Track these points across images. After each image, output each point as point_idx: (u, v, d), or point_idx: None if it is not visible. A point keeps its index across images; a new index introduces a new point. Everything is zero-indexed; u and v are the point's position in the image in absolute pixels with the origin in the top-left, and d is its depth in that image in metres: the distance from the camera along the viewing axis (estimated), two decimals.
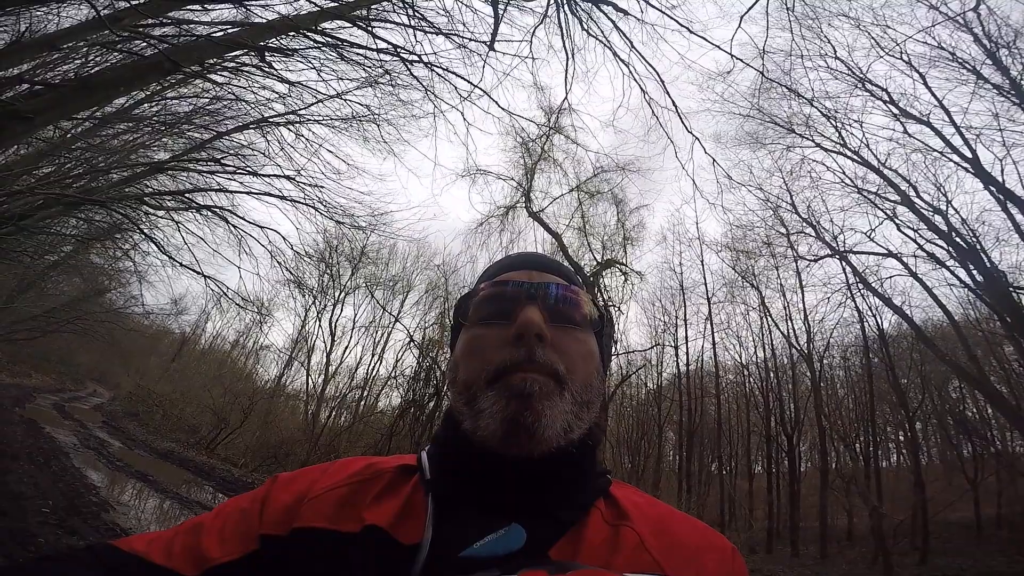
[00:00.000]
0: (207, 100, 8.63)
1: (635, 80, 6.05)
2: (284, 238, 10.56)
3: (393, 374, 19.84)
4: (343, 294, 21.98)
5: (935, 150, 10.81)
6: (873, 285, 12.35)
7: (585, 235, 15.18)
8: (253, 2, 4.02)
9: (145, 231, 10.68)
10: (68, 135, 8.35)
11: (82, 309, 21.04)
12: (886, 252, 12.04)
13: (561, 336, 0.59)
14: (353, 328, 23.02)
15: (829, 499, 12.67)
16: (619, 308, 15.57)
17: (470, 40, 5.36)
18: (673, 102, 6.36)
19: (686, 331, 17.73)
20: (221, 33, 3.98)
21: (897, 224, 11.70)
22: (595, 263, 14.91)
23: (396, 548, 0.52)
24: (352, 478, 0.61)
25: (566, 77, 5.82)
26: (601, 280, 14.85)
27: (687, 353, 17.62)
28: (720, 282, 17.46)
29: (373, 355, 22.35)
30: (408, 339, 18.79)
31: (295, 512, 0.58)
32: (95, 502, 6.66)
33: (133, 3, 3.06)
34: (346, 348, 22.71)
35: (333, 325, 22.20)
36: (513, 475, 0.55)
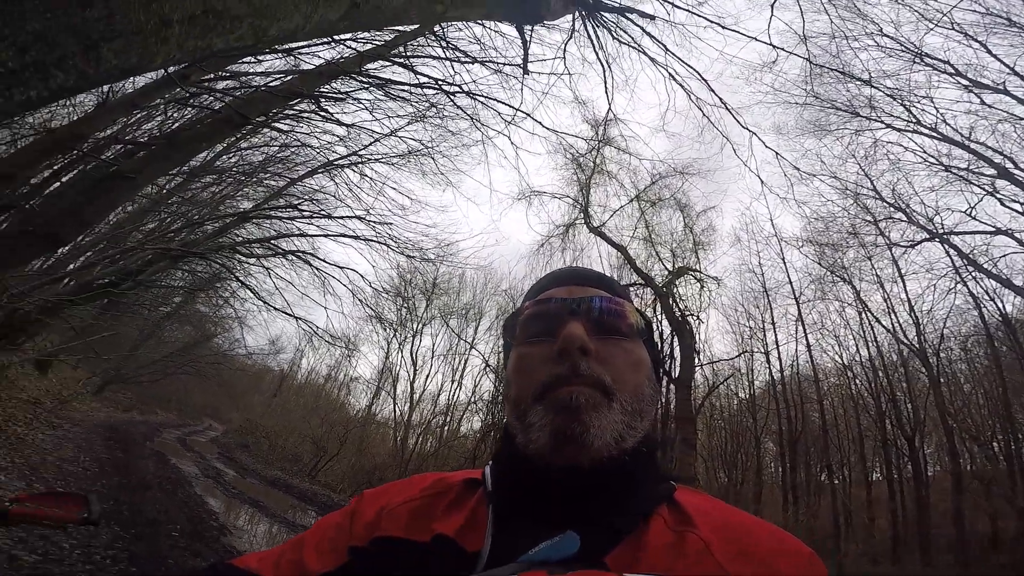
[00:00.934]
0: (276, 148, 9.37)
1: (676, 82, 5.81)
2: (362, 276, 11.17)
3: (472, 399, 20.28)
4: (420, 325, 22.77)
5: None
6: (985, 266, 11.02)
7: (652, 244, 14.60)
8: (301, 51, 4.31)
9: (240, 279, 11.70)
10: (164, 191, 9.34)
11: (194, 353, 23.41)
12: (994, 229, 10.82)
13: (606, 348, 0.60)
14: (432, 357, 23.74)
15: (964, 503, 11.10)
16: (698, 317, 14.71)
17: (504, 65, 5.44)
18: (720, 99, 6.02)
19: (775, 335, 16.36)
20: (278, 83, 4.29)
21: (999, 199, 10.53)
22: (666, 272, 14.28)
23: (461, 555, 0.55)
24: (424, 492, 0.65)
25: (606, 88, 5.69)
26: (675, 289, 14.18)
27: (779, 358, 16.24)
28: (806, 280, 15.98)
29: (452, 382, 22.88)
30: (484, 364, 19.05)
31: (376, 524, 0.62)
32: (215, 526, 7.23)
33: (195, 60, 3.36)
34: (427, 376, 23.39)
35: (414, 355, 22.98)
36: (562, 486, 0.56)
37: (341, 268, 10.89)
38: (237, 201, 11.34)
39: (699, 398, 15.20)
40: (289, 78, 4.43)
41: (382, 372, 24.48)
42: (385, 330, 19.75)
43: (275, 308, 11.22)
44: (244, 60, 4.28)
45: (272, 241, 11.38)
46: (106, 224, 9.59)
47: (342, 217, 10.70)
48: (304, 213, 10.85)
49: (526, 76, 5.03)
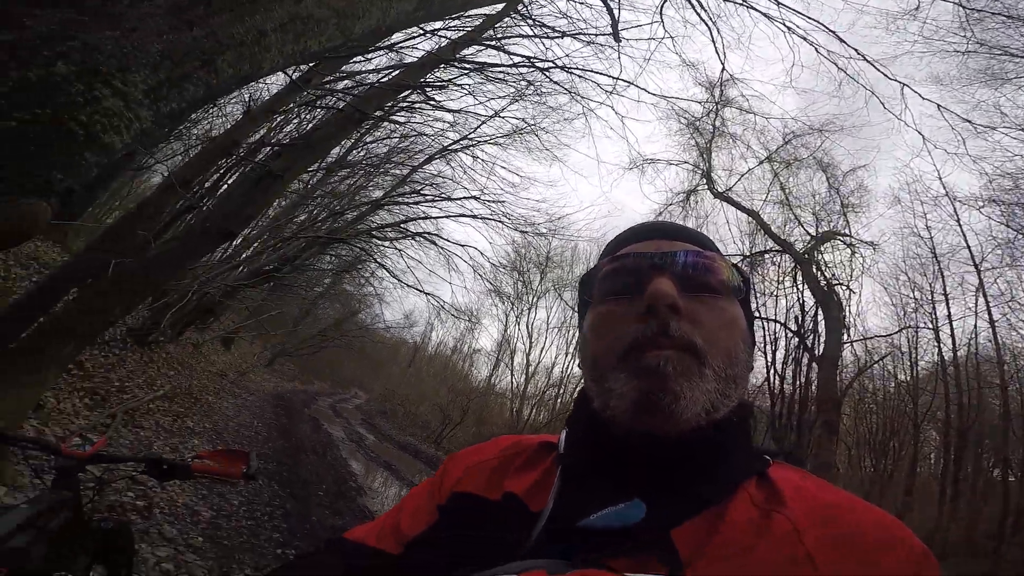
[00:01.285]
0: (397, 139, 10.19)
1: (798, 36, 5.03)
2: (481, 253, 11.92)
3: None
4: (536, 298, 23.33)
5: None
6: None
7: (789, 208, 13.10)
8: (402, 46, 4.55)
9: (378, 260, 13.10)
10: (308, 186, 10.64)
11: (343, 328, 26.39)
12: None
13: (697, 306, 0.55)
14: (547, 329, 24.23)
15: None
16: (847, 287, 12.97)
17: (596, 35, 5.18)
18: (856, 50, 5.05)
19: (947, 308, 13.77)
20: (387, 78, 4.62)
21: None
22: (808, 238, 12.76)
23: (526, 514, 0.54)
24: (502, 452, 0.66)
25: (715, 48, 5.12)
26: (819, 256, 12.63)
27: (952, 335, 13.68)
28: (990, 244, 13.15)
29: (566, 354, 23.14)
30: None
31: (459, 481, 0.64)
32: (354, 488, 8.13)
33: (312, 64, 3.74)
34: (542, 349, 23.93)
35: (530, 328, 23.64)
36: (641, 453, 0.52)
37: (462, 246, 11.67)
38: (369, 191, 12.55)
39: (847, 378, 13.51)
40: (396, 72, 4.74)
41: (501, 344, 25.63)
42: (503, 303, 20.58)
43: (408, 285, 12.39)
44: (355, 60, 4.64)
45: (401, 225, 12.44)
46: (265, 218, 11.16)
47: (460, 198, 11.41)
48: (427, 197, 11.72)
49: (619, 44, 4.75)
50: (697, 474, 0.51)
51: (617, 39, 4.32)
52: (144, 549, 3.26)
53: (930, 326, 14.10)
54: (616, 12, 4.21)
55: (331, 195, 11.37)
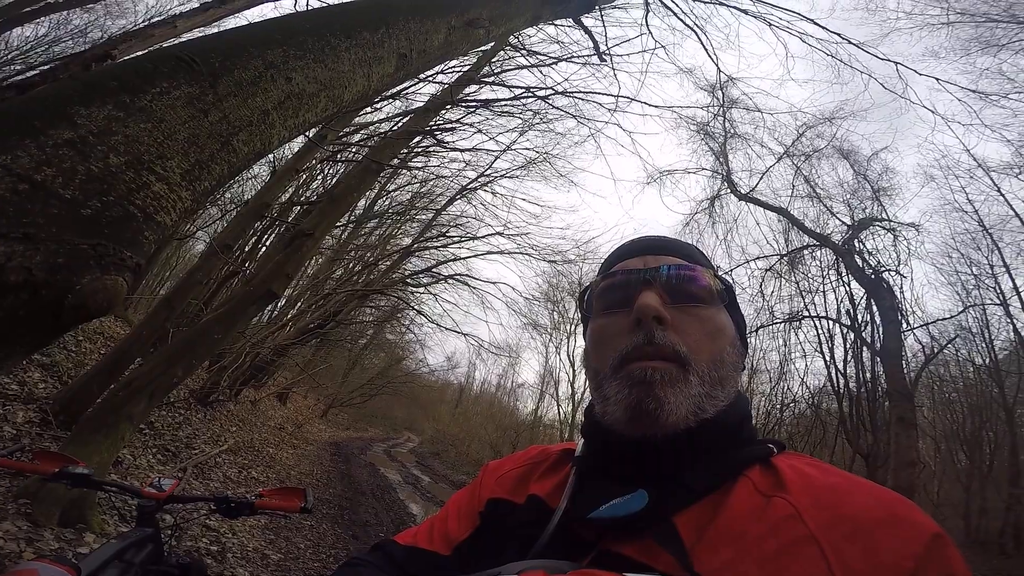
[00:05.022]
0: (418, 184, 10.63)
1: (779, 28, 5.09)
2: (513, 288, 12.11)
3: None
4: (573, 327, 23.13)
5: None
6: None
7: (819, 200, 12.74)
8: (407, 91, 4.86)
9: (415, 307, 13.45)
10: (341, 241, 11.16)
11: (389, 375, 26.87)
12: None
13: (682, 316, 0.60)
14: None
15: None
16: (897, 272, 12.33)
17: (590, 56, 5.33)
18: (838, 34, 5.05)
19: (1011, 279, 12.83)
20: (397, 127, 4.92)
21: None
22: (845, 228, 12.31)
23: (544, 511, 0.60)
24: (528, 460, 0.73)
25: (707, 52, 5.21)
26: (860, 245, 12.14)
27: None
28: None
29: None
30: None
31: (492, 488, 0.72)
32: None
33: (325, 122, 4.05)
34: None
35: (571, 356, 23.39)
36: (637, 453, 0.57)
37: (493, 283, 11.91)
38: (398, 239, 13.04)
39: (916, 369, 12.66)
40: (405, 119, 5.05)
41: (543, 376, 25.43)
42: (541, 335, 20.52)
43: (445, 328, 12.63)
44: (364, 112, 5.01)
45: (433, 269, 12.81)
46: (305, 277, 11.74)
47: (484, 236, 11.68)
48: (453, 238, 12.07)
49: (610, 61, 4.91)
50: (691, 465, 0.55)
51: (601, 59, 4.49)
52: None
53: (997, 301, 13.14)
54: (603, 30, 4.40)
55: (363, 247, 11.87)
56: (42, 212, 0.77)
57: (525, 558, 0.55)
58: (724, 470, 0.53)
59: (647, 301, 0.58)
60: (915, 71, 5.45)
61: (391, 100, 4.94)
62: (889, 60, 5.33)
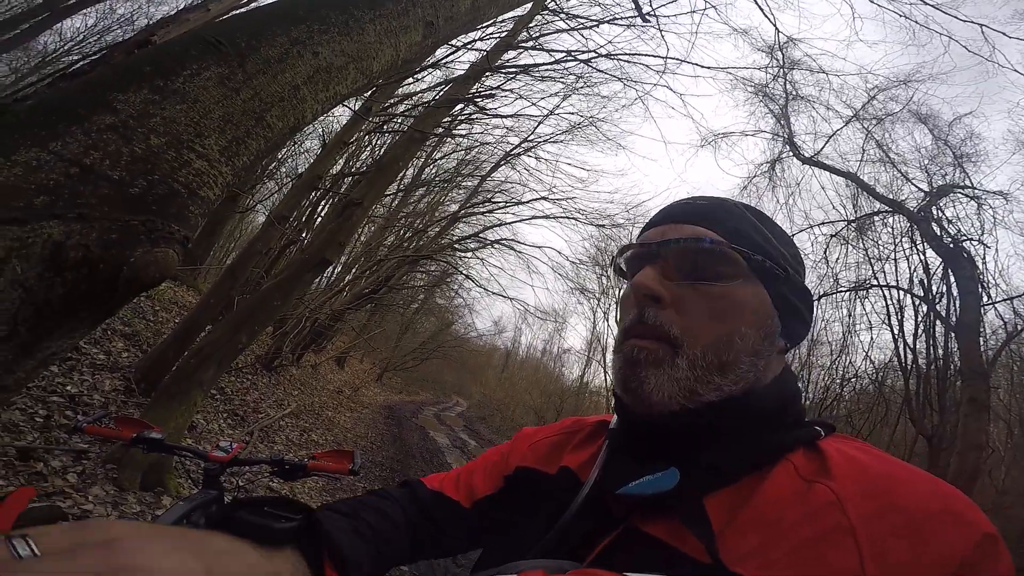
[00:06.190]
0: (463, 152, 10.62)
1: None
2: (559, 252, 12.10)
3: None
4: (622, 291, 22.77)
5: None
6: None
7: (892, 166, 11.76)
8: (447, 60, 4.79)
9: (463, 271, 13.73)
10: (391, 208, 11.42)
11: (440, 339, 27.70)
12: None
13: (687, 293, 0.56)
14: None
15: None
16: (980, 242, 11.34)
17: (635, 17, 5.01)
18: None
19: None
20: (439, 95, 4.86)
21: None
22: (922, 195, 11.36)
23: (575, 483, 0.60)
24: (563, 430, 0.73)
25: (762, 11, 4.75)
26: (938, 213, 11.19)
27: None
28: None
29: None
30: None
31: (523, 456, 0.72)
32: None
33: (368, 93, 4.06)
34: None
35: (619, 322, 23.15)
36: (647, 430, 0.57)
37: (540, 247, 11.97)
38: (446, 205, 13.18)
39: (995, 347, 11.70)
40: (447, 87, 5.00)
41: (591, 342, 25.39)
42: (589, 300, 20.40)
43: (492, 292, 12.85)
44: (406, 82, 4.98)
45: (480, 235, 12.93)
46: (359, 244, 12.13)
47: (529, 200, 11.64)
48: (499, 204, 12.11)
49: (656, 21, 4.59)
50: (726, 446, 0.52)
51: (644, 19, 4.22)
52: None
53: None
54: None
55: (413, 214, 12.09)
56: (94, 193, 0.81)
57: (553, 527, 0.56)
58: (761, 452, 0.50)
59: (640, 279, 0.57)
60: (1003, 33, 4.85)
61: (432, 70, 4.92)
62: (972, 22, 4.76)
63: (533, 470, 0.68)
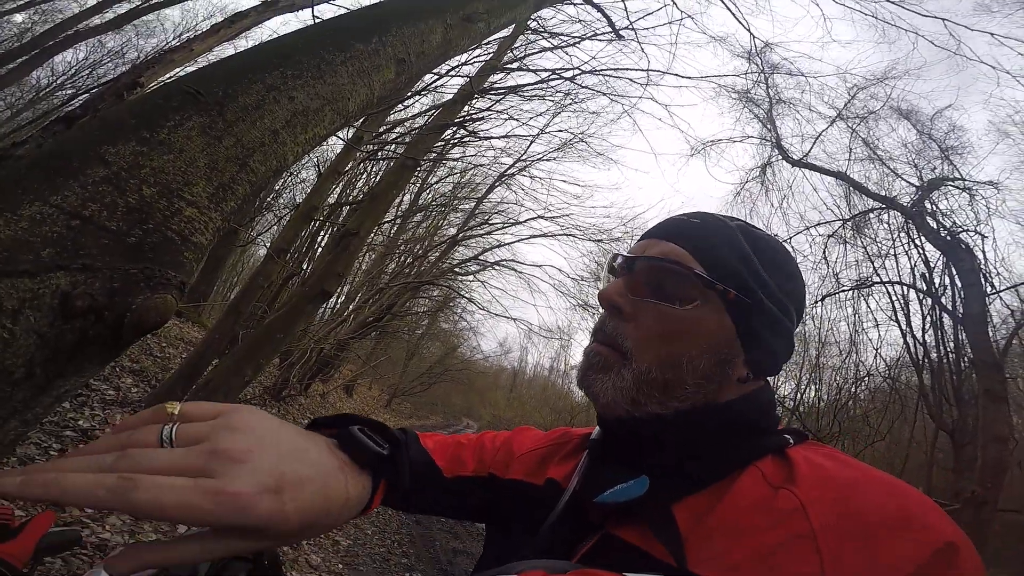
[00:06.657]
0: (458, 175, 10.81)
1: None
2: (559, 270, 12.20)
3: None
4: None
5: None
6: None
7: (881, 163, 11.93)
8: (435, 85, 4.94)
9: (465, 295, 13.80)
10: (390, 236, 11.56)
11: (447, 363, 27.62)
12: None
13: (646, 310, 0.59)
14: None
15: None
16: (977, 232, 11.36)
17: (614, 33, 5.17)
18: None
19: None
20: (429, 121, 5.00)
21: None
22: (914, 189, 11.45)
23: (558, 494, 0.61)
24: (551, 441, 0.74)
25: (735, 17, 4.90)
26: (931, 207, 11.26)
27: None
28: None
29: None
30: None
31: (510, 464, 0.73)
32: None
33: (357, 123, 4.19)
34: None
35: None
36: (611, 435, 0.61)
37: (540, 266, 12.00)
38: (444, 229, 13.34)
39: (1005, 336, 11.59)
40: (436, 112, 5.14)
41: None
42: (592, 315, 20.40)
43: (496, 314, 12.89)
44: (395, 110, 5.12)
45: (479, 257, 13.04)
46: (360, 273, 12.24)
47: (526, 220, 11.77)
48: (497, 225, 12.25)
49: (624, 40, 4.74)
50: (686, 454, 0.54)
51: (619, 36, 4.36)
52: None
53: None
54: (623, 4, 4.26)
55: (412, 240, 12.22)
56: (95, 244, 0.88)
57: (536, 534, 0.58)
58: (729, 460, 0.52)
59: (606, 291, 0.61)
60: (966, 27, 5.00)
61: (419, 96, 5.06)
62: (935, 16, 4.91)
63: (521, 482, 0.70)
